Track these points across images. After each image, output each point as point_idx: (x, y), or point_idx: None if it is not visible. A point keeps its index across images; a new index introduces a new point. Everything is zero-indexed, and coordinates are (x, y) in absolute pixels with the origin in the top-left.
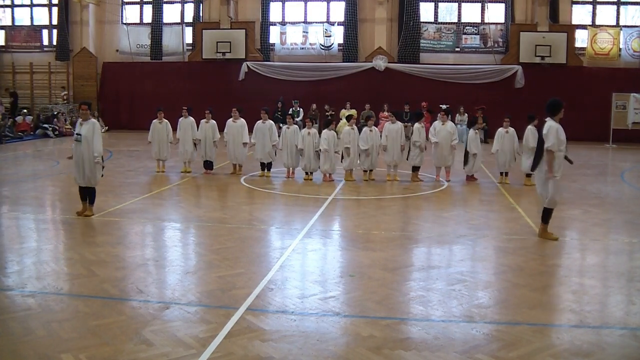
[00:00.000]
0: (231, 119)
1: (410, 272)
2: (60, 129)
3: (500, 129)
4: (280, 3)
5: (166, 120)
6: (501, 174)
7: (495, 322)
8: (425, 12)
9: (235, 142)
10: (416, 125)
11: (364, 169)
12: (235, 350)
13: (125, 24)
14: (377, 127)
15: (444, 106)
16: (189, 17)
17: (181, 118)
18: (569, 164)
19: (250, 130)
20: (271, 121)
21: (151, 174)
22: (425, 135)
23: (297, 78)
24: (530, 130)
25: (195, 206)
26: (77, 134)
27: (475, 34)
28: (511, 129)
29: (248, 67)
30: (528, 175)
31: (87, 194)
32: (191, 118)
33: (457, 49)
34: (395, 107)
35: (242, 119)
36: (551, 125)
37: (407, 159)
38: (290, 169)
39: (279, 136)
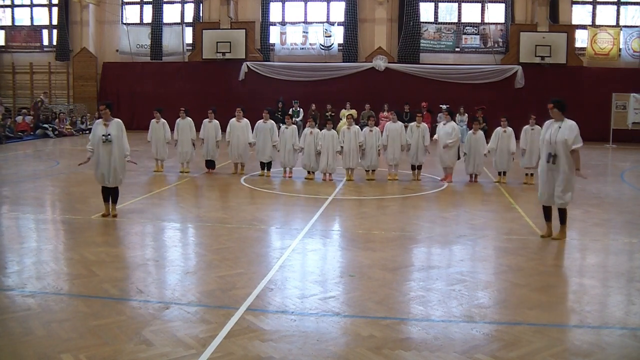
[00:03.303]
0: (234, 119)
1: (410, 272)
2: (61, 129)
3: (498, 129)
4: (280, 3)
5: (163, 120)
6: (499, 173)
7: (495, 322)
8: (425, 12)
9: (239, 141)
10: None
11: (365, 168)
12: (235, 350)
13: (125, 24)
14: (377, 127)
15: (444, 106)
16: (189, 17)
17: (179, 119)
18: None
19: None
20: (272, 121)
21: (151, 174)
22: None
23: (297, 78)
24: (524, 130)
25: (195, 206)
26: (104, 135)
27: (475, 34)
28: (509, 129)
29: (248, 67)
30: (527, 174)
31: (111, 194)
32: (189, 119)
33: (457, 49)
34: (395, 107)
35: (245, 119)
36: (573, 124)
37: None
38: (287, 168)
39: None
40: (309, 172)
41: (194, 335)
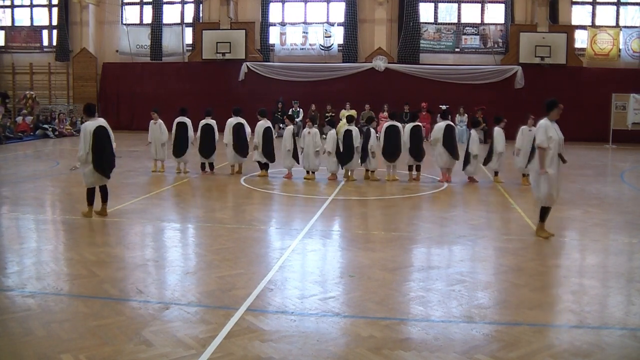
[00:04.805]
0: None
1: (410, 272)
2: (60, 130)
3: (523, 127)
4: (280, 3)
5: (160, 121)
6: (495, 173)
7: (495, 322)
8: (425, 12)
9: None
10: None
11: (367, 169)
12: (235, 350)
13: (125, 24)
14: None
15: (443, 106)
16: (189, 18)
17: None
18: (562, 162)
19: (252, 132)
20: (264, 120)
21: (150, 174)
22: (426, 135)
23: (296, 78)
24: (520, 131)
25: (194, 206)
26: None
27: (475, 34)
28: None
29: (248, 67)
30: (524, 175)
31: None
32: (186, 119)
33: (457, 50)
34: (395, 107)
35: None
36: (540, 123)
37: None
38: (289, 169)
39: (278, 137)
40: (308, 172)
41: (194, 336)
